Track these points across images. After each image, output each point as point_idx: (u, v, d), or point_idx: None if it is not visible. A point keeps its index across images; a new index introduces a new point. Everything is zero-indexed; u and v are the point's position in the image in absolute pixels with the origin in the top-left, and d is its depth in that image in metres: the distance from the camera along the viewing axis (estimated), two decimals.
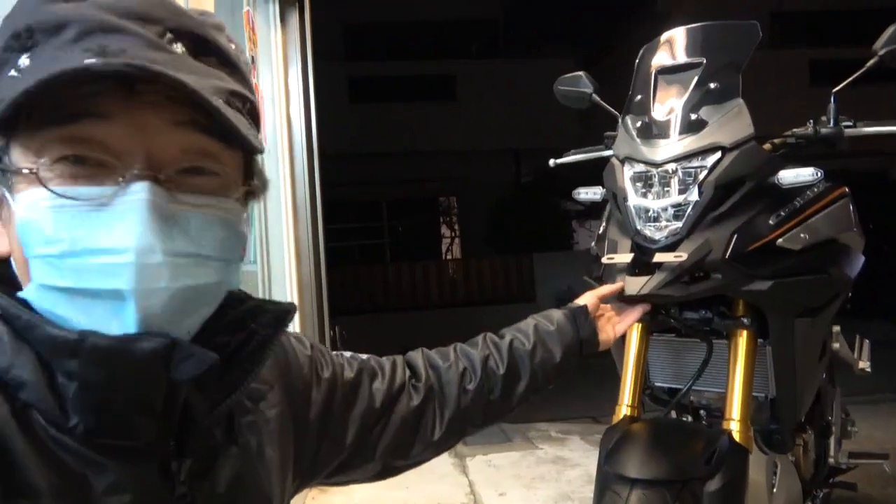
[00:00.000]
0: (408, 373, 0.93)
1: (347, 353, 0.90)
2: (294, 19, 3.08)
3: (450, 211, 12.94)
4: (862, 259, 1.47)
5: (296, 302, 2.43)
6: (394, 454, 0.89)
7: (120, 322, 0.50)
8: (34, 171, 0.50)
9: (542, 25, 12.24)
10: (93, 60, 0.48)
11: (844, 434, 2.06)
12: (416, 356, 0.97)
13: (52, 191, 0.50)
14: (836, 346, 1.70)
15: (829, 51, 10.65)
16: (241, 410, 0.66)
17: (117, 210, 0.50)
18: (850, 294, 1.51)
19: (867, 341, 2.06)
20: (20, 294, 0.53)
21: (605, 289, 1.19)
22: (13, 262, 0.56)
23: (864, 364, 2.02)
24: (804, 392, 1.43)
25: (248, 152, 0.59)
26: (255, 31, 2.53)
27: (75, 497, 0.52)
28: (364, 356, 0.91)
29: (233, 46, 0.59)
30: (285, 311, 0.64)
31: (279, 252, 2.84)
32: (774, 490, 1.53)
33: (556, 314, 1.10)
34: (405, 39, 12.32)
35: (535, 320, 1.08)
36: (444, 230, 13.02)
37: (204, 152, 0.54)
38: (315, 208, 3.16)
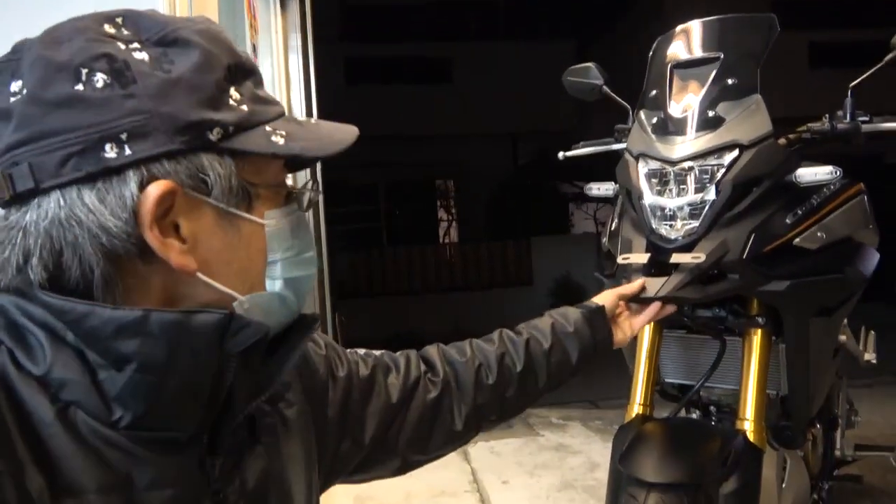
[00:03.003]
0: (423, 367, 0.93)
1: (361, 351, 0.91)
2: (294, 3, 3.03)
3: (447, 194, 12.90)
4: (877, 256, 1.45)
5: None
6: (414, 448, 0.90)
7: (296, 304, 0.64)
8: (294, 189, 0.64)
9: (540, 5, 12.11)
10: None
11: (849, 424, 2.07)
12: (432, 350, 0.97)
13: (296, 204, 0.64)
14: (843, 338, 1.69)
15: (828, 33, 10.59)
16: (260, 413, 0.68)
17: (304, 218, 0.65)
18: None
19: (873, 332, 2.06)
20: (241, 299, 0.59)
21: (626, 288, 1.17)
22: (211, 279, 0.57)
23: (870, 356, 2.02)
24: (817, 390, 1.42)
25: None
26: (255, 17, 2.48)
27: (120, 492, 0.53)
28: (377, 352, 0.92)
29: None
30: (311, 320, 0.67)
31: None
32: (784, 485, 1.53)
33: (574, 314, 1.08)
34: (402, 21, 12.19)
35: (553, 319, 1.06)
36: (442, 214, 12.99)
37: None
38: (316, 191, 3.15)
